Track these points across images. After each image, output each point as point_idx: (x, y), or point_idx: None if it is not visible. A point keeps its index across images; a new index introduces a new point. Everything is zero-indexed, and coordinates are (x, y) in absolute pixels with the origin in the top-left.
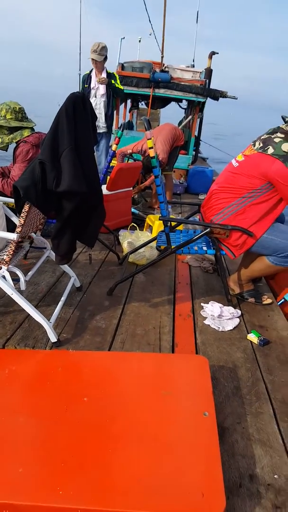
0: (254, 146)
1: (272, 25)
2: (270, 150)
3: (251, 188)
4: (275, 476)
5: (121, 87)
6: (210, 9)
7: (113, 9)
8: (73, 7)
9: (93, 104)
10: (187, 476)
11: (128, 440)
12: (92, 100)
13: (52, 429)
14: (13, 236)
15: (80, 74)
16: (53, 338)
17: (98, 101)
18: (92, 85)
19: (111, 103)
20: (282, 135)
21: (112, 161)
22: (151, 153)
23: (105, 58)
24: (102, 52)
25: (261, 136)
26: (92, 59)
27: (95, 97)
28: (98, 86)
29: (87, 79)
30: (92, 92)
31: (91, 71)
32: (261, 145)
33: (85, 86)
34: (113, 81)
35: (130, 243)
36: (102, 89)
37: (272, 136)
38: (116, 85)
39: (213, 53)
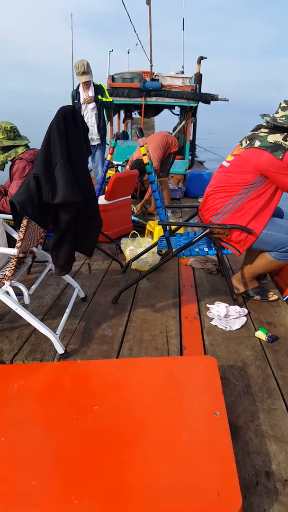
0: (241, 145)
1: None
2: (257, 143)
3: (246, 183)
4: None
5: (110, 99)
6: (195, 18)
7: (98, 26)
8: (57, 26)
9: (85, 118)
10: (202, 476)
11: (140, 445)
12: (83, 113)
13: (64, 439)
14: (13, 251)
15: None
16: (60, 349)
17: (89, 115)
18: (81, 100)
19: (102, 114)
20: (266, 130)
21: (108, 172)
22: (145, 159)
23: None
24: (89, 69)
25: (246, 135)
26: (85, 82)
27: (86, 111)
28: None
29: (76, 95)
30: (83, 106)
31: (78, 87)
32: (248, 142)
33: (75, 101)
34: (100, 96)
35: (132, 250)
36: (91, 103)
37: (257, 132)
38: (104, 99)
39: (201, 58)
